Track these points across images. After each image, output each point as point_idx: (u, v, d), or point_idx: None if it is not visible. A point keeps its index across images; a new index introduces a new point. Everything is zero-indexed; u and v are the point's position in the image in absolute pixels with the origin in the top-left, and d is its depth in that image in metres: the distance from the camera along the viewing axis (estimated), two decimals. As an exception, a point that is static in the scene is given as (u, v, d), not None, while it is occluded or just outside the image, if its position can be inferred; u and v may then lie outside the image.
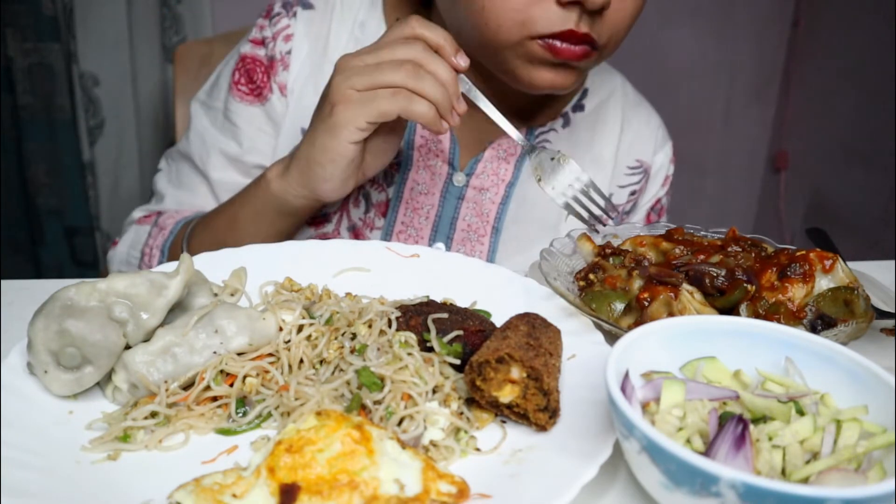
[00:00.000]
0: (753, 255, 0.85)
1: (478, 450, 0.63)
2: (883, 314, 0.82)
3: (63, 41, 2.06)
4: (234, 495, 0.55)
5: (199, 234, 1.05)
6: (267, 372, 0.68)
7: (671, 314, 0.77)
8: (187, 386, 0.67)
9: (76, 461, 0.60)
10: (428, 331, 0.72)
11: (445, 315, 0.74)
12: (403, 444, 0.60)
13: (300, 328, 0.73)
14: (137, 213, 1.19)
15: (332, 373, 0.69)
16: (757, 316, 0.78)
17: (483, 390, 0.64)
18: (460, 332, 0.72)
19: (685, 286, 0.79)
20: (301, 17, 1.11)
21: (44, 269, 2.31)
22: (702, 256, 0.85)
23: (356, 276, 0.88)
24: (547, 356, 0.66)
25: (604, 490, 0.61)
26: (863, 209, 2.67)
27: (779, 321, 0.77)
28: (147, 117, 2.28)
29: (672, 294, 0.78)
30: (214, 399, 0.67)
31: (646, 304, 0.78)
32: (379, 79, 0.85)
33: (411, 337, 0.71)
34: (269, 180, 0.97)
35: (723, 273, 0.80)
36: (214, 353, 0.69)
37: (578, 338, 0.75)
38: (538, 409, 0.64)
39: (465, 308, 0.79)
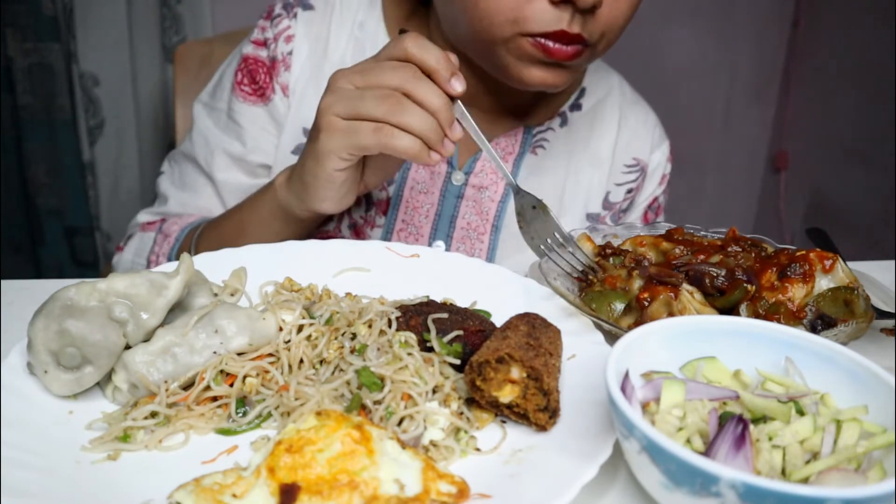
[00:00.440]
0: (753, 255, 0.85)
1: (478, 450, 0.63)
2: (883, 314, 0.82)
3: (63, 41, 2.07)
4: (234, 495, 0.55)
5: (206, 241, 1.05)
6: (267, 372, 0.68)
7: (671, 314, 0.77)
8: (187, 386, 0.67)
9: (76, 461, 0.60)
10: (428, 331, 0.72)
11: (445, 315, 0.74)
12: (403, 444, 0.60)
13: (300, 328, 0.73)
14: (142, 217, 1.19)
15: (332, 373, 0.69)
16: (757, 316, 0.78)
17: (483, 390, 0.64)
18: (460, 332, 0.72)
19: (685, 286, 0.79)
20: (301, 17, 1.12)
21: (44, 269, 2.31)
22: (702, 256, 0.85)
23: (356, 276, 0.88)
24: (547, 356, 0.66)
25: (604, 490, 0.61)
26: (863, 209, 2.67)
27: (779, 321, 0.77)
28: (147, 117, 2.28)
29: (672, 294, 0.78)
30: (214, 399, 0.67)
31: (646, 304, 0.79)
32: (361, 109, 0.82)
33: (411, 337, 0.71)
34: (276, 189, 0.97)
35: (723, 273, 0.80)
36: (214, 353, 0.69)
37: (578, 338, 0.75)
38: (538, 409, 0.64)
39: (465, 308, 0.79)
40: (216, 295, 0.77)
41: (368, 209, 1.13)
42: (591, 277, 0.85)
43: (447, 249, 1.15)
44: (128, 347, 0.68)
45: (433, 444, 0.62)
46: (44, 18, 2.03)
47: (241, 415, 0.66)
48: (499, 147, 1.15)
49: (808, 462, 0.57)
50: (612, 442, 0.61)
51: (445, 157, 0.85)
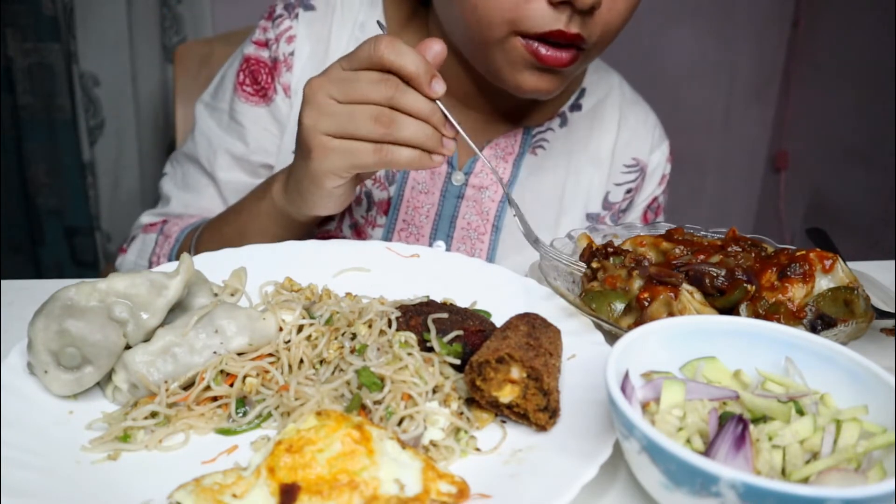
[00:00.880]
0: (753, 255, 0.85)
1: (478, 450, 0.63)
2: (883, 314, 0.82)
3: (63, 41, 2.07)
4: (234, 495, 0.55)
5: (206, 243, 1.05)
6: (267, 372, 0.68)
7: (671, 314, 0.77)
8: (187, 386, 0.67)
9: (76, 461, 0.60)
10: (428, 331, 0.72)
11: (445, 315, 0.74)
12: (403, 444, 0.60)
13: (300, 328, 0.73)
14: (144, 219, 1.20)
15: (332, 373, 0.69)
16: (757, 316, 0.78)
17: (483, 390, 0.64)
18: (460, 332, 0.72)
19: (685, 286, 0.79)
20: (303, 18, 1.12)
21: (44, 269, 2.31)
22: (702, 256, 0.85)
23: (356, 276, 0.88)
24: (547, 356, 0.66)
25: (604, 490, 0.61)
26: (863, 209, 2.67)
27: (779, 321, 0.77)
28: (147, 117, 2.28)
29: (672, 294, 0.78)
30: (214, 399, 0.67)
31: (646, 304, 0.79)
32: (354, 131, 0.80)
33: (411, 337, 0.71)
34: (273, 197, 0.96)
35: (723, 273, 0.80)
36: (214, 353, 0.69)
37: (578, 338, 0.75)
38: (538, 409, 0.64)
39: (465, 308, 0.79)
40: (216, 295, 0.77)
41: (370, 209, 1.13)
42: (587, 271, 0.85)
43: (447, 249, 1.16)
44: (128, 347, 0.68)
45: (433, 444, 0.62)
46: (44, 18, 2.03)
47: (241, 415, 0.66)
48: (498, 147, 1.15)
49: (808, 462, 0.57)
50: (612, 442, 0.61)
51: (448, 155, 0.84)
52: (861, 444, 0.57)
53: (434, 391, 0.67)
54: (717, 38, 2.88)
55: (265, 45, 1.13)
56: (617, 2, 0.93)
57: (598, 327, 0.78)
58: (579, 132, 1.21)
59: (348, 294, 0.83)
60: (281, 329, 0.72)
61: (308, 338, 0.72)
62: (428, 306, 0.76)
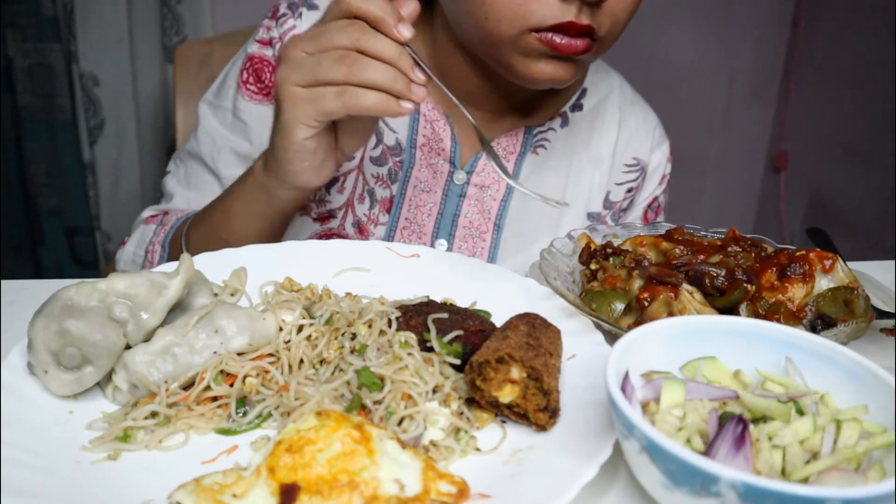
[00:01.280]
0: (753, 255, 0.85)
1: (478, 450, 0.63)
2: (883, 314, 0.82)
3: (63, 41, 2.07)
4: (234, 495, 0.55)
5: (195, 229, 1.05)
6: (267, 372, 0.68)
7: (671, 314, 0.77)
8: (187, 386, 0.67)
9: (76, 461, 0.60)
10: (428, 331, 0.72)
11: (445, 315, 0.74)
12: (403, 444, 0.60)
13: (300, 328, 0.73)
14: (146, 213, 1.20)
15: (332, 373, 0.69)
16: (757, 316, 0.78)
17: (483, 390, 0.64)
18: (460, 332, 0.72)
19: (685, 286, 0.79)
20: (306, 17, 1.12)
21: (44, 269, 2.31)
22: (702, 256, 0.85)
23: (356, 276, 0.88)
24: (547, 356, 0.66)
25: (604, 490, 0.61)
26: (863, 209, 2.67)
27: (779, 321, 0.77)
28: (147, 117, 2.28)
29: (672, 294, 0.78)
30: (214, 399, 0.67)
31: (646, 304, 0.79)
32: (320, 75, 0.80)
33: (411, 337, 0.71)
34: (255, 174, 0.96)
35: (723, 273, 0.80)
36: (214, 353, 0.69)
37: (578, 338, 0.75)
38: (538, 409, 0.64)
39: (465, 308, 0.79)
40: (216, 295, 0.77)
41: (372, 207, 1.14)
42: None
43: (449, 248, 1.16)
44: (128, 347, 0.68)
45: (433, 444, 0.62)
46: (44, 18, 2.03)
47: (241, 415, 0.66)
48: (500, 147, 1.15)
49: (808, 462, 0.57)
50: (612, 442, 0.61)
51: (417, 101, 0.82)
52: (861, 444, 0.57)
53: (434, 391, 0.67)
54: (716, 39, 2.88)
55: (269, 43, 1.13)
56: None
57: (598, 327, 0.78)
58: (580, 132, 1.21)
59: (348, 294, 0.83)
60: (281, 329, 0.72)
61: (308, 338, 0.72)
62: (428, 306, 0.76)
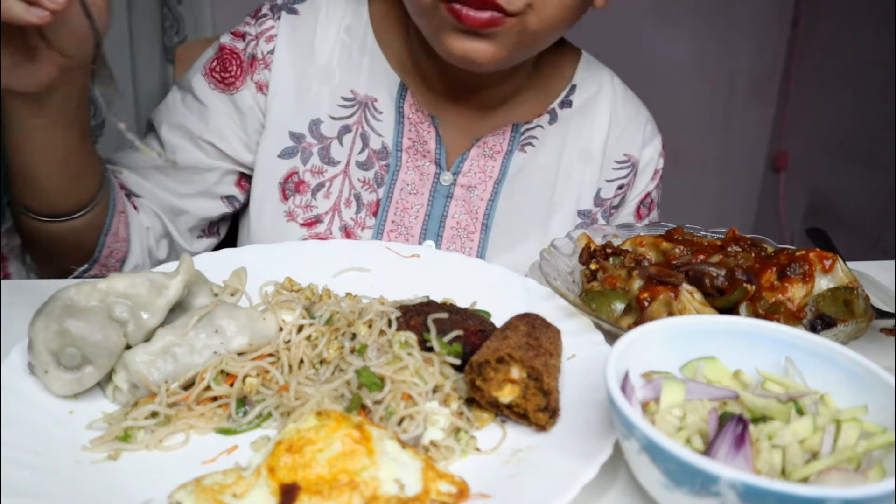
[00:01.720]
0: (753, 255, 0.85)
1: (478, 450, 0.63)
2: (883, 314, 0.82)
3: (63, 41, 2.06)
4: (235, 495, 0.55)
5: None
6: (267, 372, 0.68)
7: (671, 314, 0.77)
8: (187, 386, 0.67)
9: (76, 461, 0.60)
10: (428, 331, 0.72)
11: (445, 315, 0.74)
12: (403, 444, 0.60)
13: (300, 328, 0.73)
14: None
15: (332, 373, 0.69)
16: (757, 316, 0.78)
17: (483, 390, 0.64)
18: (460, 332, 0.72)
19: (685, 286, 0.80)
20: (285, 21, 1.13)
21: (44, 269, 2.30)
22: (702, 256, 0.85)
23: (356, 276, 0.88)
24: (547, 356, 0.66)
25: (604, 490, 0.61)
26: (863, 209, 2.68)
27: (779, 321, 0.77)
28: (147, 117, 2.28)
29: (672, 294, 0.78)
30: (214, 399, 0.67)
31: (646, 304, 0.79)
32: None
33: (411, 337, 0.71)
34: None
35: (723, 273, 0.80)
36: (215, 353, 0.69)
37: (578, 338, 0.75)
38: (538, 409, 0.64)
39: (465, 308, 0.79)
40: (216, 295, 0.77)
41: (359, 211, 1.14)
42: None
43: (437, 249, 1.16)
44: (128, 347, 0.68)
45: (433, 444, 0.62)
46: (44, 18, 2.03)
47: (241, 415, 0.66)
48: (486, 146, 1.15)
49: (807, 462, 0.57)
50: (612, 442, 0.61)
51: (52, 7, 0.76)
52: (861, 444, 0.57)
53: (434, 391, 0.67)
54: (716, 38, 2.88)
55: (241, 37, 1.14)
56: None
57: (598, 327, 0.78)
58: (569, 129, 1.21)
59: (348, 294, 0.83)
60: (281, 329, 0.72)
61: (308, 338, 0.72)
62: (428, 306, 0.76)
